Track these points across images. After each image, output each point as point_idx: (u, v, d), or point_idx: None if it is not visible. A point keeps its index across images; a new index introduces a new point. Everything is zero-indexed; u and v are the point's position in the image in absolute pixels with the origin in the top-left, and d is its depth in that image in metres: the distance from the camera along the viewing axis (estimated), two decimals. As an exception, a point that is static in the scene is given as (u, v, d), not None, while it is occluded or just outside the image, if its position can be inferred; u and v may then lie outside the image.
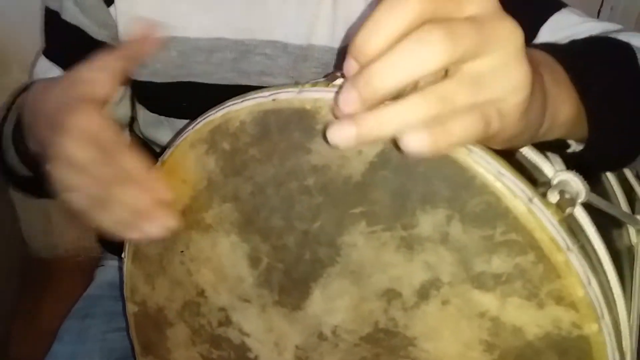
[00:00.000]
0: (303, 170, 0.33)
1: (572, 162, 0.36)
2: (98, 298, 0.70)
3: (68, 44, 0.58)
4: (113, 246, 0.73)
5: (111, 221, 0.36)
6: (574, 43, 0.40)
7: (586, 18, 0.50)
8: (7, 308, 1.25)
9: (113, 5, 0.55)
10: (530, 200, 0.27)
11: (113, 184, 0.35)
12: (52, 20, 0.58)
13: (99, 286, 0.73)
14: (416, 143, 0.23)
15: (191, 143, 0.36)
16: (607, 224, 0.41)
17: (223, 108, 0.35)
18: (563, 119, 0.32)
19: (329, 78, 0.32)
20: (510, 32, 0.25)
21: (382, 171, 0.30)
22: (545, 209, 0.28)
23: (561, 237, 0.27)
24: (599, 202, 0.34)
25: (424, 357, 0.32)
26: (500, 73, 0.25)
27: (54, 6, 0.58)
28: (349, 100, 0.24)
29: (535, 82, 0.26)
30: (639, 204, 0.46)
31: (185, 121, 0.59)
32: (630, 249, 0.42)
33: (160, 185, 0.36)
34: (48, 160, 0.37)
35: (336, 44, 0.55)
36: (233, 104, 0.34)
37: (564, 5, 0.51)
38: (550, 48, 0.35)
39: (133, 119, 0.65)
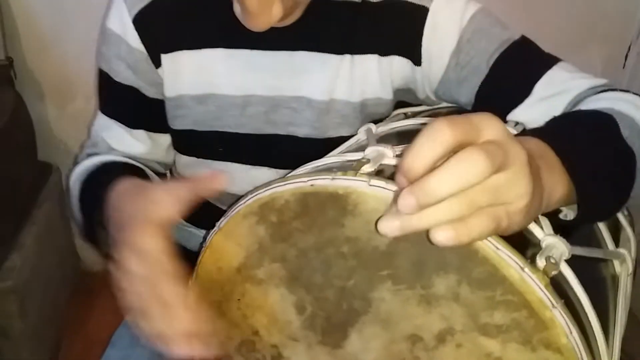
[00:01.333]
0: (338, 240, 0.40)
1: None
2: None
3: (123, 103, 0.66)
4: None
5: (146, 328, 0.43)
6: (562, 122, 0.46)
7: (575, 74, 0.56)
8: (58, 317, 1.35)
9: (161, 67, 0.63)
10: (522, 269, 0.35)
11: (152, 303, 0.42)
12: (105, 81, 0.66)
13: None
14: (444, 237, 0.30)
15: (244, 214, 0.44)
16: (593, 260, 0.49)
17: (270, 188, 0.42)
18: (557, 198, 0.39)
19: (356, 167, 0.40)
20: (518, 151, 0.31)
21: (403, 243, 0.38)
22: (533, 276, 0.35)
23: (547, 298, 0.35)
24: (582, 251, 0.41)
25: (443, 387, 0.40)
26: (512, 183, 0.31)
27: (105, 68, 0.66)
28: (409, 205, 0.30)
29: (535, 183, 0.33)
30: (623, 234, 0.53)
31: (221, 163, 0.67)
32: (615, 278, 0.49)
33: (190, 317, 0.42)
34: (115, 252, 0.45)
35: (354, 98, 0.63)
36: (277, 186, 0.42)
37: (556, 61, 0.57)
38: (542, 133, 0.41)
39: (168, 166, 0.74)
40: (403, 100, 0.66)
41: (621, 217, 0.54)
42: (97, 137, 0.68)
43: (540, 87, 0.55)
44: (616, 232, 0.53)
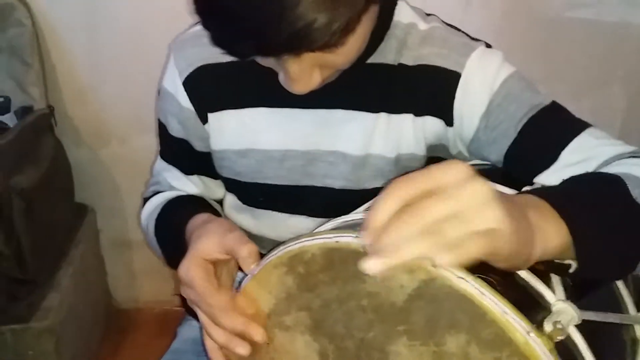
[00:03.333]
0: (360, 293, 0.44)
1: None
2: (183, 352, 0.83)
3: (177, 153, 0.74)
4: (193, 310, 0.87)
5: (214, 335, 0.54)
6: (567, 182, 0.49)
7: (603, 141, 0.58)
8: (90, 353, 1.38)
9: (208, 123, 0.69)
10: (528, 333, 0.37)
11: (206, 319, 0.54)
12: (163, 131, 0.75)
13: (183, 342, 0.86)
14: (441, 261, 0.35)
15: (274, 265, 0.48)
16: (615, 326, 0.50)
17: (299, 242, 0.46)
18: (554, 244, 0.42)
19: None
20: (479, 187, 0.35)
21: (418, 302, 0.41)
22: (538, 340, 0.37)
23: (551, 360, 0.37)
24: (595, 316, 0.43)
25: None
26: (482, 213, 0.35)
27: (162, 120, 0.73)
28: (376, 265, 0.36)
29: (515, 216, 0.37)
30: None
31: (262, 210, 0.72)
32: (635, 341, 0.51)
33: (237, 319, 0.51)
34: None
35: (389, 153, 0.66)
36: (306, 240, 0.46)
37: (585, 127, 0.59)
38: (539, 191, 0.44)
39: (222, 200, 0.79)
40: (436, 155, 0.69)
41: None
42: (159, 176, 0.77)
43: (567, 154, 0.57)
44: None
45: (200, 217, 0.63)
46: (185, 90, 0.69)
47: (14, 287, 1.13)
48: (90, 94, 1.34)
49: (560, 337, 0.39)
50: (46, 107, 1.31)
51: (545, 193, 0.44)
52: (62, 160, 1.33)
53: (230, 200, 0.76)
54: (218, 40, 0.51)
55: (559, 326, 0.39)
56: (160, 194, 0.75)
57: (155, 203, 0.73)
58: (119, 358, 1.41)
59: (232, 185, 0.73)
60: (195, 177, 0.75)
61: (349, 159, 0.67)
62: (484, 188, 0.36)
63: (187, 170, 0.75)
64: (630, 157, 0.55)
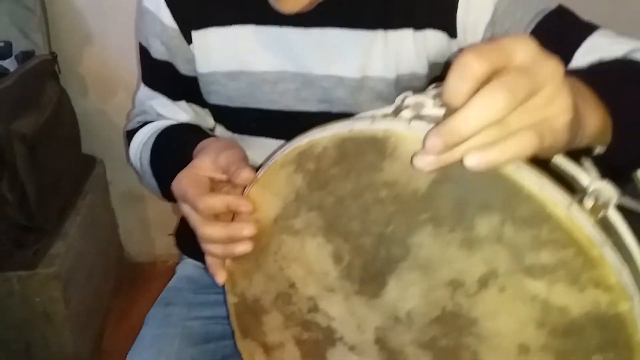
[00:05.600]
0: (376, 185, 0.40)
1: (603, 164, 0.41)
2: (179, 290, 0.80)
3: (162, 77, 0.68)
4: (189, 249, 0.84)
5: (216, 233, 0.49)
6: (598, 65, 0.45)
7: (615, 40, 0.54)
8: (103, 306, 1.39)
9: (192, 44, 0.63)
10: (569, 206, 0.34)
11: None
12: (145, 55, 0.68)
13: (179, 279, 0.83)
14: (474, 161, 0.31)
15: (281, 164, 0.44)
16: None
17: (307, 136, 0.42)
18: (592, 130, 0.38)
19: (395, 111, 0.39)
20: (553, 69, 0.31)
21: (444, 185, 0.37)
22: (581, 213, 0.34)
23: (595, 235, 0.34)
24: (629, 203, 0.40)
25: (485, 335, 0.39)
26: (550, 101, 0.31)
27: (144, 43, 0.67)
28: (434, 146, 0.31)
29: (575, 106, 0.33)
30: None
31: (255, 138, 0.67)
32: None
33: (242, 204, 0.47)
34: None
35: (389, 74, 0.62)
36: (316, 133, 0.42)
37: (595, 28, 0.56)
38: (579, 73, 0.40)
39: (212, 130, 0.74)
40: (438, 75, 0.65)
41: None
42: (144, 105, 0.71)
43: (580, 56, 0.54)
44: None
45: (208, 140, 0.59)
46: (169, 6, 0.63)
47: (20, 234, 1.12)
48: (96, 42, 1.30)
49: (602, 213, 0.35)
50: (49, 53, 1.27)
51: (584, 76, 0.40)
52: (66, 108, 1.30)
53: (219, 131, 0.71)
54: None
55: (600, 202, 0.35)
56: (150, 123, 0.70)
57: (147, 133, 0.68)
58: (131, 310, 1.40)
59: (222, 113, 0.68)
60: (183, 103, 0.70)
61: (345, 82, 0.62)
62: (559, 66, 0.31)
63: (174, 96, 0.69)
64: None
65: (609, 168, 0.42)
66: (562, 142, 0.33)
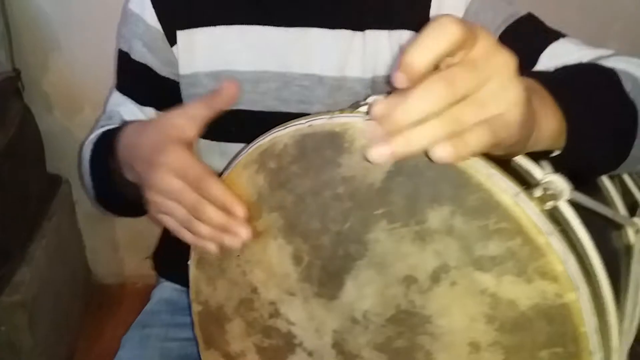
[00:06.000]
0: (335, 180, 0.40)
1: (564, 170, 0.42)
2: (156, 312, 0.79)
3: (137, 80, 0.69)
4: (167, 271, 0.83)
5: (194, 238, 0.46)
6: (561, 70, 0.47)
7: (582, 46, 0.56)
8: (71, 331, 1.34)
9: (176, 45, 0.66)
10: (517, 195, 0.34)
11: (198, 207, 0.44)
12: (123, 60, 0.69)
13: (157, 302, 0.81)
14: (442, 154, 0.31)
15: (244, 164, 0.45)
16: (606, 226, 0.47)
17: (269, 134, 0.43)
18: (549, 132, 0.39)
19: (353, 106, 0.40)
20: (503, 63, 0.32)
21: (398, 178, 0.38)
22: (529, 202, 0.34)
23: (543, 224, 0.34)
24: (586, 201, 0.40)
25: (438, 332, 0.39)
26: (500, 94, 0.31)
27: (124, 47, 0.69)
28: (377, 133, 0.32)
29: (529, 101, 0.33)
30: None
31: (233, 145, 0.68)
32: (629, 248, 0.48)
33: (238, 204, 0.44)
34: (145, 188, 0.46)
35: (366, 74, 0.64)
36: (277, 131, 0.43)
37: (562, 36, 0.58)
38: (538, 75, 0.41)
39: None
40: None
41: (635, 189, 0.52)
42: (112, 112, 0.71)
43: (546, 58, 0.55)
44: (634, 208, 0.51)
45: (134, 123, 0.56)
46: (154, 6, 0.65)
47: None
48: (60, 57, 1.27)
49: (551, 203, 0.36)
50: (12, 69, 1.23)
51: (543, 78, 0.41)
52: (31, 126, 1.27)
53: (200, 143, 0.72)
54: None
55: (549, 192, 0.36)
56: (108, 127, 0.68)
57: (98, 133, 0.67)
58: (100, 334, 1.35)
59: None
60: (150, 110, 0.70)
61: (325, 81, 0.64)
62: (509, 62, 0.32)
63: (144, 101, 0.69)
64: (611, 57, 0.53)
65: (571, 173, 0.43)
66: (515, 137, 0.33)
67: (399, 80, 0.31)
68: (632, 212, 0.50)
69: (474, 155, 0.33)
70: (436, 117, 0.31)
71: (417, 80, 0.30)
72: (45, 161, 1.33)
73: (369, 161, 0.33)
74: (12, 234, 1.13)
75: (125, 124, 0.58)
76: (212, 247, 0.46)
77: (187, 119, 0.48)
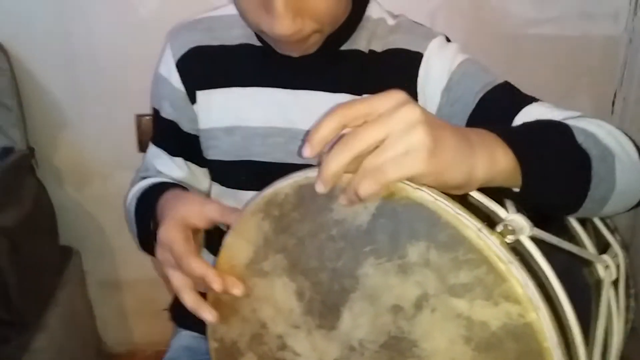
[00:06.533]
0: (329, 224, 0.47)
1: (531, 210, 0.47)
2: (176, 359, 0.84)
3: (167, 135, 0.80)
4: (184, 321, 0.90)
5: (187, 300, 0.56)
6: (521, 124, 0.53)
7: (553, 109, 0.62)
8: None
9: (196, 103, 0.75)
10: (480, 230, 0.40)
11: (184, 280, 0.56)
12: (156, 117, 0.81)
13: (176, 350, 0.88)
14: (365, 190, 0.40)
15: (252, 212, 0.51)
16: (575, 262, 0.52)
17: (272, 186, 0.50)
18: (500, 169, 0.44)
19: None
20: (405, 112, 0.40)
21: (381, 219, 0.44)
22: (490, 236, 0.40)
23: (503, 254, 0.40)
24: (549, 238, 0.46)
25: (424, 355, 0.44)
26: (404, 138, 0.39)
27: (156, 106, 0.81)
28: (320, 187, 0.43)
29: (441, 137, 0.40)
30: (610, 250, 0.56)
31: (245, 192, 0.76)
32: (599, 282, 0.52)
33: (214, 279, 0.53)
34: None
35: None
36: (279, 182, 0.49)
37: (535, 100, 0.65)
38: (495, 126, 0.48)
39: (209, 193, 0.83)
40: None
41: (607, 233, 0.57)
42: (148, 164, 0.82)
43: (519, 120, 0.62)
44: (605, 249, 0.56)
45: (172, 192, 0.66)
46: (178, 71, 0.75)
47: (2, 329, 1.13)
48: (71, 134, 1.36)
49: (511, 237, 0.41)
50: (26, 148, 1.33)
51: (498, 128, 0.48)
52: (44, 201, 1.35)
53: (215, 189, 0.80)
54: None
55: (510, 228, 0.42)
56: (147, 179, 0.79)
57: (141, 185, 0.77)
58: None
59: (218, 167, 0.77)
60: (180, 160, 0.80)
61: None
62: (413, 111, 0.40)
63: (174, 152, 0.80)
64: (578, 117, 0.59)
65: (539, 214, 0.48)
66: (428, 169, 0.39)
67: (307, 153, 0.43)
68: (604, 252, 0.55)
69: (397, 181, 0.41)
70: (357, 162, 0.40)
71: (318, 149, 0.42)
72: (57, 233, 1.40)
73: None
74: (29, 303, 1.18)
75: (165, 187, 0.69)
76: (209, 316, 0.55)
77: (199, 209, 0.58)
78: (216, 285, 0.52)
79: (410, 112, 0.40)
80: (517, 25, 1.31)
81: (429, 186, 0.41)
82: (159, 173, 0.80)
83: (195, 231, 0.59)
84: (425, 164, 0.39)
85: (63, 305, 1.29)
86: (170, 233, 0.56)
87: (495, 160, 0.44)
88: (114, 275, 1.50)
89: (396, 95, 0.41)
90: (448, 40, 0.72)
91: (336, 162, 0.41)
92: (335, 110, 0.41)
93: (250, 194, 0.76)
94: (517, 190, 0.47)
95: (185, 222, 0.58)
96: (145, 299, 1.49)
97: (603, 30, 1.33)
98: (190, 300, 0.56)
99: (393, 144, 0.39)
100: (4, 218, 1.14)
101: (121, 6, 1.25)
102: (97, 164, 1.39)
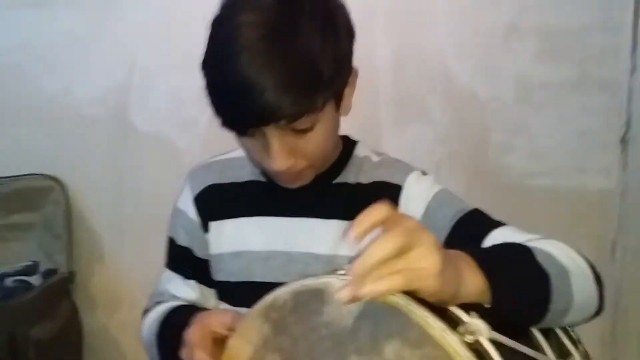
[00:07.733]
0: (319, 326, 0.55)
1: (499, 321, 0.56)
2: None
3: (182, 260, 0.91)
4: None
5: None
6: (490, 246, 0.63)
7: (517, 232, 0.73)
8: None
9: (208, 232, 0.85)
10: (443, 330, 0.48)
11: None
12: (171, 244, 0.92)
13: None
14: (374, 288, 0.46)
15: (253, 317, 0.60)
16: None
17: (272, 293, 0.59)
18: (473, 289, 0.54)
19: (332, 272, 0.57)
20: (427, 235, 0.49)
21: (363, 321, 0.52)
22: (452, 335, 0.48)
23: (462, 351, 0.47)
24: (506, 341, 0.54)
25: None
26: (421, 258, 0.48)
27: (172, 235, 0.91)
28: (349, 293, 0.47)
29: (447, 263, 0.49)
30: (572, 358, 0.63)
31: (245, 309, 0.84)
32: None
33: None
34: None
35: (352, 253, 0.81)
36: (278, 290, 0.58)
37: (502, 224, 0.76)
38: (470, 248, 0.58)
39: None
40: None
41: (569, 343, 0.64)
42: (162, 288, 0.91)
43: (489, 242, 0.72)
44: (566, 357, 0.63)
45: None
46: (195, 205, 0.88)
47: None
48: (110, 262, 1.48)
49: (470, 337, 0.49)
50: (67, 272, 1.49)
51: (471, 251, 0.58)
52: (76, 322, 1.46)
53: (222, 306, 0.88)
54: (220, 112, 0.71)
55: (469, 329, 0.50)
56: (163, 303, 0.87)
57: (159, 311, 0.85)
58: None
59: (225, 288, 0.86)
60: (193, 283, 0.90)
61: (320, 258, 0.81)
62: (432, 237, 0.50)
63: (188, 275, 0.90)
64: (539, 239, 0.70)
65: (506, 323, 0.56)
66: (434, 287, 0.48)
67: (349, 238, 0.50)
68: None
69: (393, 292, 0.48)
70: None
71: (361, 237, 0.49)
72: (82, 356, 1.47)
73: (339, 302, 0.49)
74: None
75: (190, 310, 0.80)
76: None
77: (220, 320, 0.69)
78: None
79: (429, 236, 0.49)
80: (515, 177, 1.45)
81: (424, 298, 0.50)
82: (173, 297, 0.90)
83: (217, 340, 0.67)
84: (436, 281, 0.48)
85: None
86: (192, 333, 0.67)
87: (472, 282, 0.53)
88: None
89: (413, 221, 0.51)
90: (424, 173, 0.86)
91: (373, 259, 0.46)
92: (380, 243, 0.47)
93: None
94: (488, 306, 0.55)
95: (208, 328, 0.68)
96: None
97: (596, 183, 1.46)
98: None
99: (414, 257, 0.47)
100: (39, 331, 1.24)
101: (167, 155, 1.42)
102: (127, 293, 1.49)
